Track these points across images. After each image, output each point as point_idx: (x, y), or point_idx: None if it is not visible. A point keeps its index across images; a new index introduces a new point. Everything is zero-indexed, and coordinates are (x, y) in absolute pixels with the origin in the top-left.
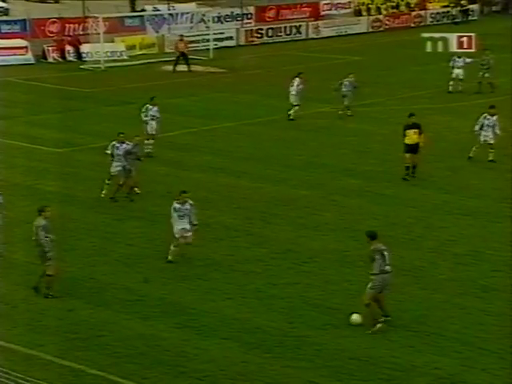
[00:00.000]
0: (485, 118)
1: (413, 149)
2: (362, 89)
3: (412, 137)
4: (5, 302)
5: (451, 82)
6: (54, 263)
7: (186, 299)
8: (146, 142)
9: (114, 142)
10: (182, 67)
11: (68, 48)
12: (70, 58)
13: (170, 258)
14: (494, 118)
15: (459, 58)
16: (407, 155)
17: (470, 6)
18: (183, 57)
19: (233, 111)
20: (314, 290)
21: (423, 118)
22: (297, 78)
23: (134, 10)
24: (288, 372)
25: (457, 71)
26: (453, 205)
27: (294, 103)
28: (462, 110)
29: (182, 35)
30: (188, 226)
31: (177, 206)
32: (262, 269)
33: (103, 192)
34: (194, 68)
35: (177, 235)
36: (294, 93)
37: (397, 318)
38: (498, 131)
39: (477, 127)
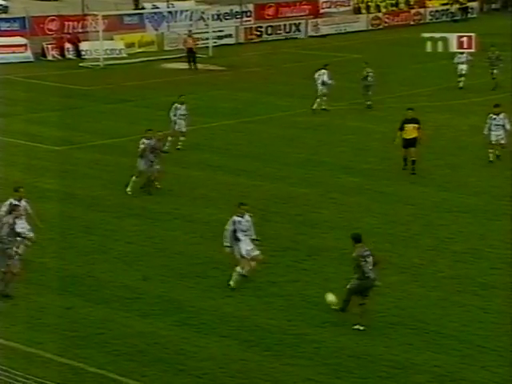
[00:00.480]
0: (491, 118)
1: (411, 143)
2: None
3: (410, 131)
4: (4, 299)
5: (459, 79)
6: (16, 263)
7: (185, 297)
8: (169, 138)
9: (142, 139)
10: (184, 65)
11: (67, 46)
12: (69, 56)
13: (232, 284)
14: (501, 116)
15: (462, 53)
16: (404, 150)
17: (470, 4)
18: (191, 54)
19: (232, 109)
20: (313, 288)
21: (422, 116)
22: (323, 70)
23: (137, 8)
24: (287, 370)
25: (461, 67)
26: (452, 202)
27: (320, 93)
28: (461, 108)
29: (190, 31)
30: (251, 246)
31: (237, 219)
32: (261, 267)
33: (128, 189)
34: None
35: (246, 255)
36: (320, 83)
37: (395, 315)
38: (508, 126)
39: (485, 130)
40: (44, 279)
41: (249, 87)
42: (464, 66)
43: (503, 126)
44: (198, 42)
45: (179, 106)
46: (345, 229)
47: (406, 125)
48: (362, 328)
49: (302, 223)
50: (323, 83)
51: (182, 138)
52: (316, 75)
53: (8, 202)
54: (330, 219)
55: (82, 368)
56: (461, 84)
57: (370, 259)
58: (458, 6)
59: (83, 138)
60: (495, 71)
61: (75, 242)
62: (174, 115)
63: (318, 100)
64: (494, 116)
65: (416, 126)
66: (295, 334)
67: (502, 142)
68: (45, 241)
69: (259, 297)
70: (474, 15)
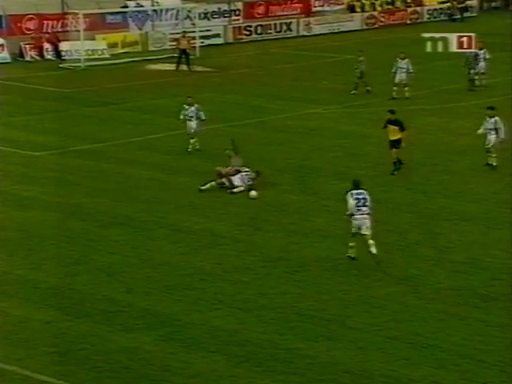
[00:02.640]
0: (486, 120)
1: (393, 145)
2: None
3: (392, 133)
4: None
5: (476, 77)
6: None
7: (171, 310)
8: (191, 140)
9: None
10: (169, 66)
11: (46, 46)
12: (49, 57)
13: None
14: (493, 120)
15: (480, 50)
16: (390, 151)
17: (469, 2)
18: (184, 55)
19: (220, 112)
20: (306, 300)
21: (419, 119)
22: (398, 59)
23: (126, 6)
24: None
25: (480, 64)
26: (450, 210)
27: (403, 82)
28: (459, 111)
29: (184, 31)
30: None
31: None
32: (251, 278)
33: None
34: (180, 67)
35: None
36: (403, 72)
37: (392, 328)
38: (502, 135)
39: (479, 131)
40: (22, 292)
41: (237, 89)
42: (482, 64)
43: (495, 130)
44: (193, 43)
45: (187, 107)
46: (339, 237)
47: (389, 125)
48: None
49: (294, 232)
50: (404, 71)
51: (191, 140)
52: (396, 64)
53: None
54: (324, 228)
55: None
56: (483, 82)
57: None
58: (456, 4)
59: (64, 142)
60: (472, 71)
61: (55, 253)
62: (183, 115)
63: (395, 88)
64: (488, 118)
65: (396, 128)
66: (287, 348)
67: (488, 146)
68: (23, 251)
69: (249, 310)
70: (474, 14)
